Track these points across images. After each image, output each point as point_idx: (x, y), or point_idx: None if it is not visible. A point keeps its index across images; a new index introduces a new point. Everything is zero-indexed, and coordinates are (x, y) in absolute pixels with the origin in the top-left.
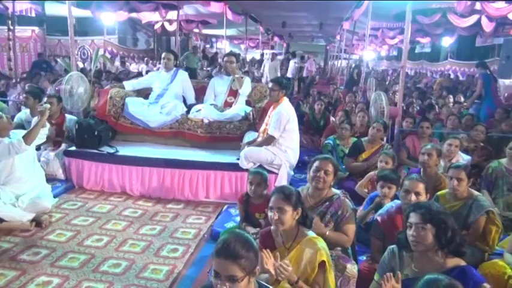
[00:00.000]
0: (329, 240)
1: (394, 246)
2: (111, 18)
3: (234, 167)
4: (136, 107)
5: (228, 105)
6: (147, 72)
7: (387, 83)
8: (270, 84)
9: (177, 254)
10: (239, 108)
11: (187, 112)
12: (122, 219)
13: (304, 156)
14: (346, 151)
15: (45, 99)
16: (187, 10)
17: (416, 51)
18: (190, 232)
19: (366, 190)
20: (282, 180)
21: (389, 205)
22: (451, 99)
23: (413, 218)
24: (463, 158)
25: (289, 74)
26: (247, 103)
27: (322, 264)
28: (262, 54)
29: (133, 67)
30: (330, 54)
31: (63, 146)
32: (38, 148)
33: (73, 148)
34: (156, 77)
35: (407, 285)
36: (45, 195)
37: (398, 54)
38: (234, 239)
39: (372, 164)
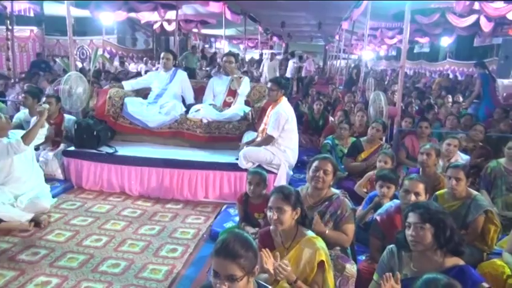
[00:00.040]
0: (328, 240)
1: (393, 246)
2: (109, 18)
3: (233, 167)
4: (135, 107)
5: (227, 105)
6: (146, 72)
7: (386, 82)
8: (269, 84)
9: (176, 254)
10: (238, 108)
11: (186, 112)
12: (121, 219)
13: (303, 156)
14: (345, 151)
15: (44, 99)
16: (186, 10)
17: (415, 51)
18: (189, 232)
19: (365, 190)
20: (281, 180)
21: (388, 205)
22: (450, 99)
23: (412, 217)
24: (462, 158)
25: (288, 74)
26: (246, 103)
27: (321, 264)
28: (261, 54)
29: (132, 67)
30: (329, 54)
31: (62, 146)
32: (36, 148)
33: (72, 148)
34: (155, 77)
35: (406, 285)
36: (44, 195)
37: (397, 54)
38: (233, 239)
39: (371, 164)
